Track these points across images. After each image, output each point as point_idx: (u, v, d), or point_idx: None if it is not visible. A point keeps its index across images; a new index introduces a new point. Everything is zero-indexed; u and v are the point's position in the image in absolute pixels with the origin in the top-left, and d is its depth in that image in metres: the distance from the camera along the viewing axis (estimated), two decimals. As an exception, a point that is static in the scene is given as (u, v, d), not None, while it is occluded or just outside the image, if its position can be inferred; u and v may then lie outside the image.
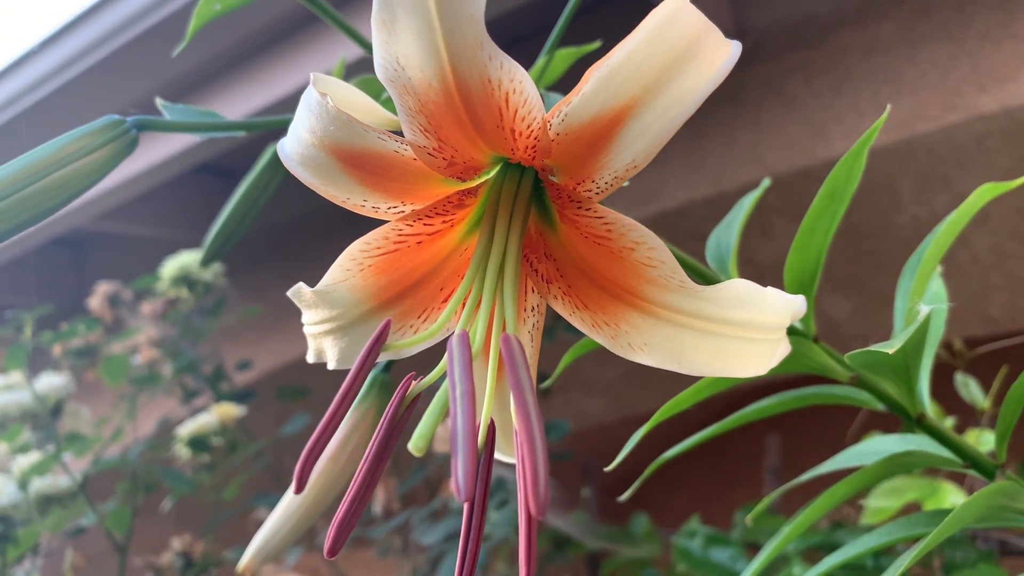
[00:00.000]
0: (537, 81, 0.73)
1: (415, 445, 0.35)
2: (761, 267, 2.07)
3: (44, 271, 2.88)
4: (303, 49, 1.93)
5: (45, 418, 1.82)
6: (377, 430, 0.38)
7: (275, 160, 0.79)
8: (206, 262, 0.87)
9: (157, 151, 2.19)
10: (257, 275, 2.60)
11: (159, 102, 0.65)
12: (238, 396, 2.02)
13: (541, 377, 1.08)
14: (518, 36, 1.77)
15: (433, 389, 0.41)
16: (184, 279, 1.89)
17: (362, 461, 0.37)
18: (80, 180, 0.54)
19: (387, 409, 0.39)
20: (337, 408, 0.36)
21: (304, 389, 2.09)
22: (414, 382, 0.41)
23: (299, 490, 0.36)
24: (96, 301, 2.07)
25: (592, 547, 1.96)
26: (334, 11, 0.68)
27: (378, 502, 1.93)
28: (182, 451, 1.83)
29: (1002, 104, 1.68)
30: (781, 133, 1.92)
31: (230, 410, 1.83)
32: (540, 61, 0.71)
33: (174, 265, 1.89)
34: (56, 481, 1.79)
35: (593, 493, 2.32)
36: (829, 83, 1.89)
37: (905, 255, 0.73)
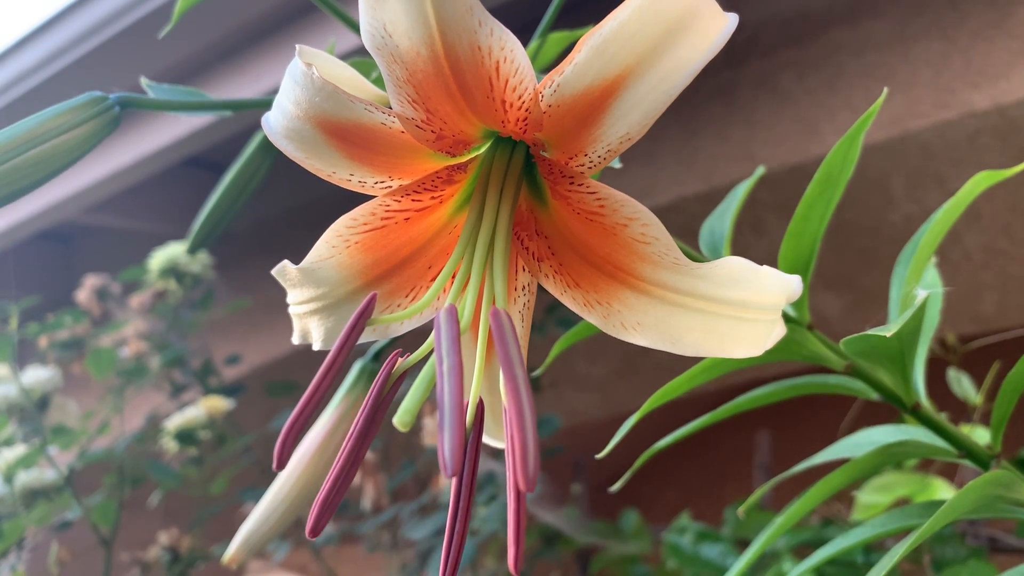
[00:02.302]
0: (529, 65, 0.72)
1: (400, 420, 0.34)
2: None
3: (32, 265, 2.86)
4: (297, 39, 1.91)
5: (31, 411, 1.80)
6: (362, 408, 0.37)
7: (264, 146, 0.78)
8: (193, 250, 0.86)
9: (146, 143, 2.17)
10: (246, 269, 2.58)
11: (144, 81, 0.64)
12: (227, 391, 2.01)
13: (531, 370, 1.06)
14: (520, 27, 1.76)
15: (420, 369, 0.40)
16: (172, 271, 1.87)
17: (346, 440, 0.36)
18: (60, 157, 0.52)
19: (372, 386, 0.38)
20: (320, 381, 0.35)
21: (293, 384, 2.08)
22: (400, 359, 0.40)
23: (279, 467, 0.35)
24: (84, 294, 2.06)
25: (582, 543, 1.96)
26: (330, -1, 0.67)
27: (367, 497, 1.92)
28: (169, 445, 1.81)
29: (995, 101, 1.68)
30: (773, 130, 1.92)
31: (218, 403, 1.81)
32: (533, 44, 0.70)
33: (162, 256, 1.87)
34: (42, 474, 1.78)
35: (584, 489, 2.31)
36: (822, 80, 1.88)
37: (897, 253, 0.72)
